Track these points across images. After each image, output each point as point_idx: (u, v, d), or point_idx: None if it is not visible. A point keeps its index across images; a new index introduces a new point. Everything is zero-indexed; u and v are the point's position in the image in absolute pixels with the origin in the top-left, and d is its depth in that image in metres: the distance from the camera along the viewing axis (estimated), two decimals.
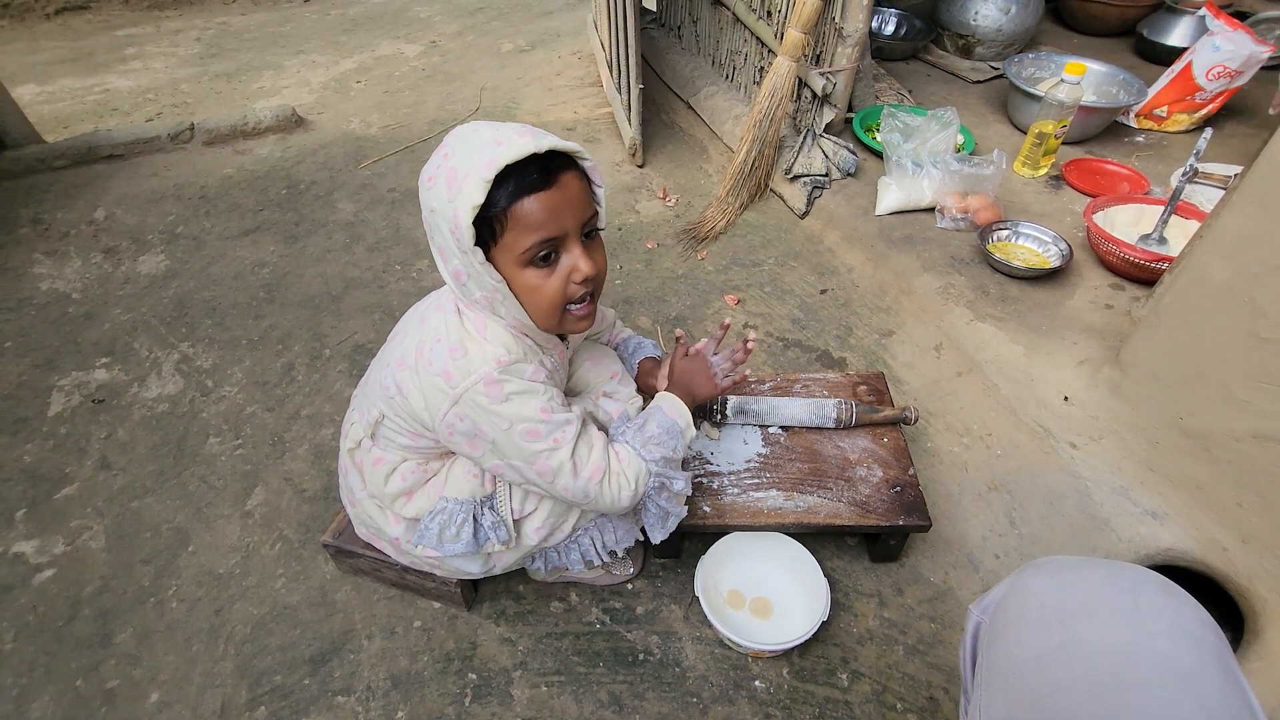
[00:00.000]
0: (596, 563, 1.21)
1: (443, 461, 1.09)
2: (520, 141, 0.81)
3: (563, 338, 1.10)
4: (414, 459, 1.08)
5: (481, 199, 0.80)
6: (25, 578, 1.36)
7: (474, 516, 1.06)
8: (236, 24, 4.01)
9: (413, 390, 0.95)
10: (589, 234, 0.92)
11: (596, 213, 0.93)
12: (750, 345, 1.22)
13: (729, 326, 1.20)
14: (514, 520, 1.08)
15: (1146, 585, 0.58)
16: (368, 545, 1.24)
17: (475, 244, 0.84)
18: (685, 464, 1.31)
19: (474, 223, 0.82)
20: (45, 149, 2.55)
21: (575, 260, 0.89)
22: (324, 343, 1.85)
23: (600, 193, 0.94)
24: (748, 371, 1.21)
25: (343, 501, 1.22)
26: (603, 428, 1.13)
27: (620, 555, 1.31)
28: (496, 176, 0.80)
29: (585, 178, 0.91)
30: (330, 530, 1.29)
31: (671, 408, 1.10)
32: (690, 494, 1.15)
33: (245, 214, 2.34)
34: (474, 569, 1.14)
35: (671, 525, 1.15)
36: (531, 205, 0.83)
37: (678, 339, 1.24)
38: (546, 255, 0.88)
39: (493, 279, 0.87)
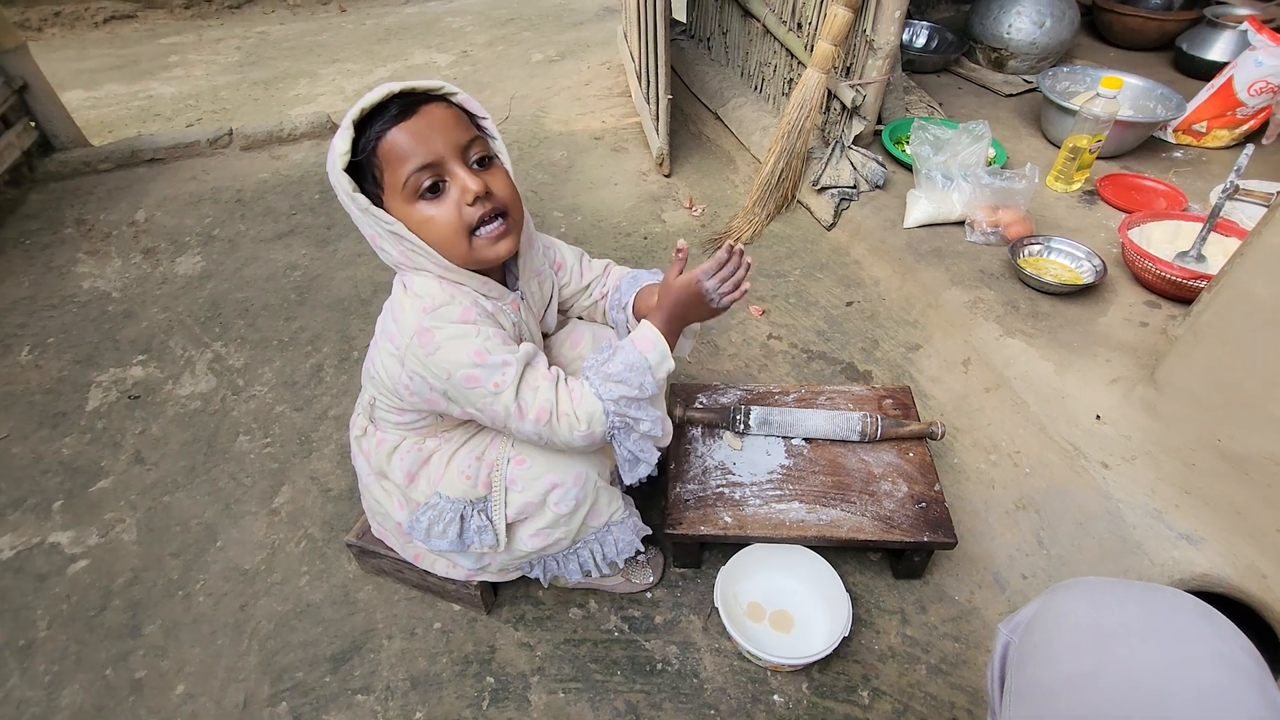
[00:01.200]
0: (595, 575, 1.21)
1: (438, 440, 1.10)
2: (378, 91, 0.86)
3: (506, 283, 1.05)
4: (410, 437, 1.10)
5: (346, 145, 0.85)
6: (60, 567, 1.40)
7: (461, 516, 1.07)
8: (275, 33, 4.12)
9: (378, 362, 1.00)
10: (480, 162, 0.92)
11: (479, 139, 0.92)
12: (748, 259, 1.03)
13: (733, 249, 1.02)
14: (509, 524, 1.08)
15: (1184, 609, 0.57)
16: (389, 546, 1.25)
17: (364, 196, 0.88)
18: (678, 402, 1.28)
19: (358, 177, 0.88)
20: (91, 152, 2.64)
21: (462, 181, 0.88)
22: (352, 345, 1.88)
23: (488, 124, 0.95)
24: (748, 286, 1.04)
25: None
26: None
27: (641, 559, 1.31)
28: (364, 125, 0.86)
29: (465, 114, 0.93)
30: (355, 530, 1.31)
31: (644, 339, 0.98)
32: (665, 441, 1.04)
33: (279, 218, 2.39)
34: (466, 564, 1.15)
35: (642, 472, 1.04)
36: (395, 137, 0.85)
37: (678, 251, 1.07)
38: (434, 186, 0.88)
39: (385, 222, 0.89)
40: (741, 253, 1.02)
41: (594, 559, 1.18)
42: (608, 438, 0.99)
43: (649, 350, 0.98)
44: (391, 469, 1.10)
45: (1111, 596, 0.59)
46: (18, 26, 2.52)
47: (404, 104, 0.86)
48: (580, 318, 1.26)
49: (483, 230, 0.92)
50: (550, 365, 0.99)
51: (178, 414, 1.71)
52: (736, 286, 1.02)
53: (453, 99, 0.92)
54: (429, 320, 0.91)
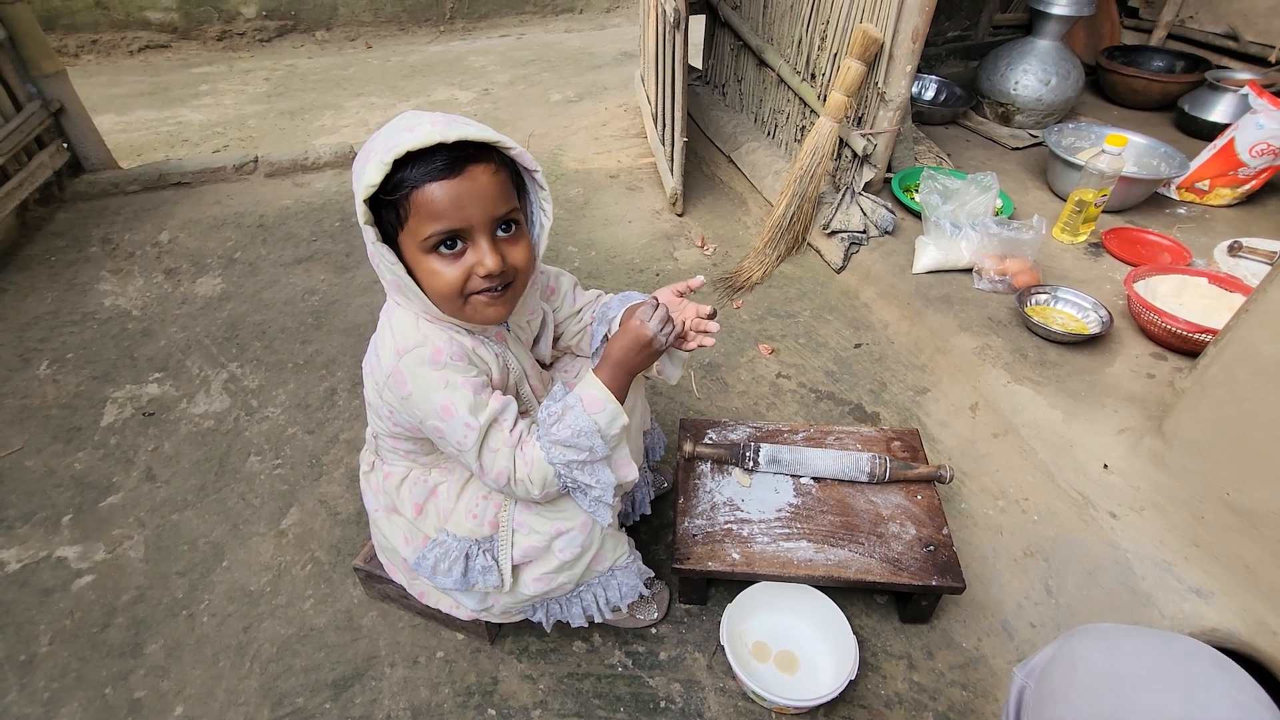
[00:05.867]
0: (598, 619, 1.20)
1: (443, 473, 1.11)
2: (429, 130, 0.80)
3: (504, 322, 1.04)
4: (415, 469, 1.11)
5: (377, 180, 0.80)
6: (66, 582, 1.40)
7: (467, 555, 1.07)
8: (303, 66, 4.25)
9: (366, 390, 1.03)
10: (506, 228, 0.89)
11: (515, 207, 0.89)
12: (696, 283, 1.08)
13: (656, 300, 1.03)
14: (514, 566, 1.08)
15: (1200, 658, 0.57)
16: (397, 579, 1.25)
17: (380, 226, 0.86)
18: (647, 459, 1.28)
19: (382, 206, 0.84)
20: (119, 174, 2.71)
21: (481, 256, 0.86)
22: None
23: (539, 175, 0.92)
24: (710, 341, 1.05)
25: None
26: None
27: (646, 595, 1.30)
28: (403, 161, 0.80)
29: (512, 170, 0.89)
30: (362, 555, 1.31)
31: (592, 399, 0.95)
32: (610, 501, 1.01)
33: (300, 243, 2.44)
34: (470, 604, 1.15)
35: (604, 518, 1.03)
36: (431, 194, 0.81)
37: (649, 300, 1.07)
38: (451, 244, 0.86)
39: (388, 260, 0.86)
40: (705, 315, 1.05)
41: (597, 603, 1.18)
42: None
43: (598, 411, 0.95)
44: (401, 501, 1.11)
45: (1128, 643, 0.59)
46: (56, 53, 2.61)
47: (452, 157, 0.81)
48: (569, 348, 1.26)
49: (480, 296, 0.90)
50: (516, 424, 0.96)
51: (191, 432, 1.72)
52: (681, 326, 1.02)
53: (508, 153, 0.88)
54: (402, 364, 0.92)
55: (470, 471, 0.99)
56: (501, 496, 1.07)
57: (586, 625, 1.22)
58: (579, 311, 1.21)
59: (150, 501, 1.55)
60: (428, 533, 1.11)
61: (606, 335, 1.15)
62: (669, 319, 1.00)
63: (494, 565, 1.07)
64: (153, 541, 1.47)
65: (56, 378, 1.87)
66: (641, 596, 1.31)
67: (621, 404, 0.97)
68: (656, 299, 1.03)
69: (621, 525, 1.35)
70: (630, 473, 1.02)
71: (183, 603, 1.36)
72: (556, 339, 1.22)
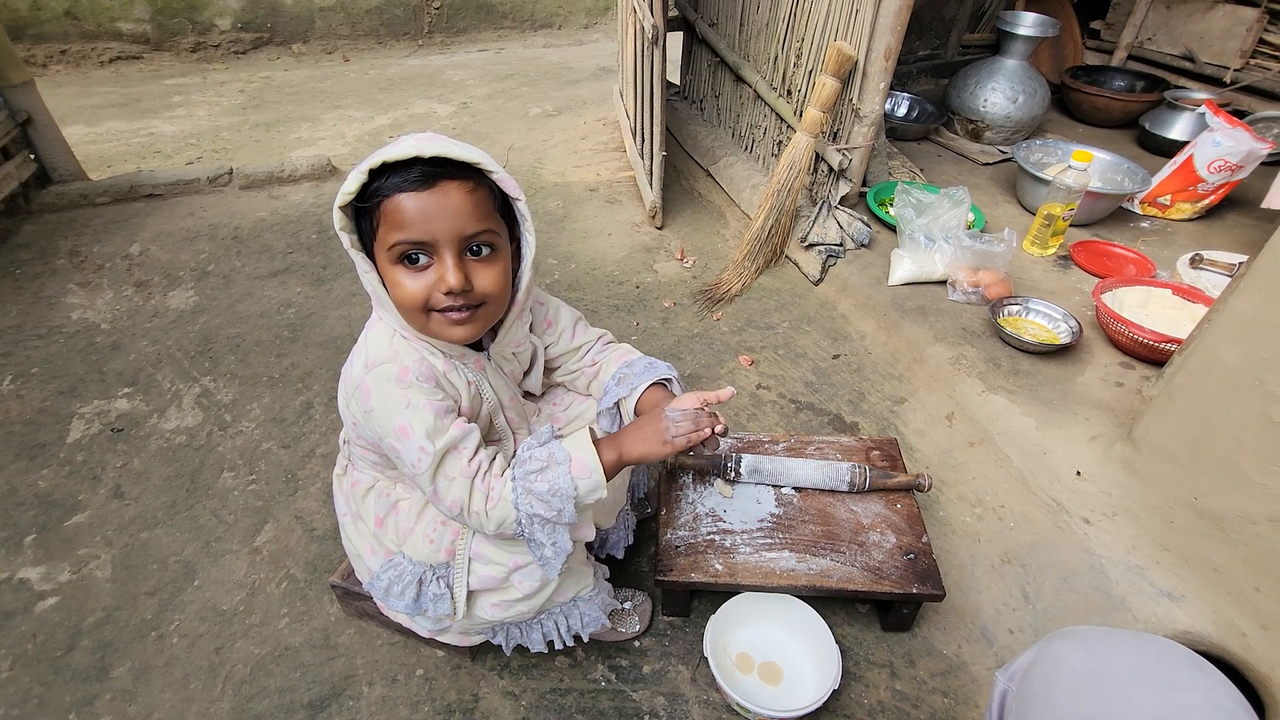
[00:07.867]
0: (559, 646, 1.18)
1: (406, 489, 1.11)
2: (410, 144, 0.82)
3: (477, 347, 1.02)
4: (381, 481, 1.11)
5: (354, 188, 0.83)
6: (28, 605, 1.35)
7: (420, 580, 1.06)
8: (279, 79, 4.22)
9: (339, 398, 1.04)
10: (477, 250, 0.88)
11: (488, 231, 0.88)
12: (720, 429, 1.00)
13: (716, 427, 1.00)
14: (470, 592, 1.06)
15: (1177, 659, 0.59)
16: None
17: (361, 237, 0.89)
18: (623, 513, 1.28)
19: (359, 215, 0.87)
20: (89, 186, 2.66)
21: (443, 272, 0.86)
22: None
23: (521, 205, 0.92)
24: (709, 431, 0.99)
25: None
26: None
27: (628, 608, 1.30)
28: (381, 173, 0.83)
29: (496, 196, 0.90)
30: (339, 571, 1.29)
31: (581, 465, 0.93)
32: (559, 565, 0.98)
33: (275, 256, 2.41)
34: (424, 624, 1.14)
35: (554, 574, 0.99)
36: (400, 203, 0.82)
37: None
38: (415, 257, 0.86)
39: (363, 265, 0.89)
40: (717, 428, 0.99)
41: (558, 630, 1.16)
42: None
43: (583, 477, 0.92)
44: (364, 510, 1.12)
45: (1107, 645, 0.60)
46: (24, 63, 2.56)
47: (426, 172, 0.82)
48: (561, 382, 1.24)
49: (443, 313, 0.90)
50: (477, 452, 0.94)
51: (161, 448, 1.68)
52: (697, 429, 0.97)
53: (490, 176, 0.88)
54: (369, 378, 0.92)
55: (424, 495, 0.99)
56: (460, 524, 1.06)
57: (546, 649, 1.18)
58: (579, 349, 1.19)
59: (118, 520, 1.51)
60: (388, 546, 1.10)
61: (617, 403, 1.12)
62: (695, 436, 0.98)
63: (447, 593, 1.06)
64: (120, 561, 1.43)
65: (20, 393, 1.81)
66: (624, 608, 1.31)
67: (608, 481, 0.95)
68: (697, 405, 1.00)
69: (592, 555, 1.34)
70: (588, 533, 1.03)
71: (152, 624, 1.32)
72: (549, 371, 1.21)
